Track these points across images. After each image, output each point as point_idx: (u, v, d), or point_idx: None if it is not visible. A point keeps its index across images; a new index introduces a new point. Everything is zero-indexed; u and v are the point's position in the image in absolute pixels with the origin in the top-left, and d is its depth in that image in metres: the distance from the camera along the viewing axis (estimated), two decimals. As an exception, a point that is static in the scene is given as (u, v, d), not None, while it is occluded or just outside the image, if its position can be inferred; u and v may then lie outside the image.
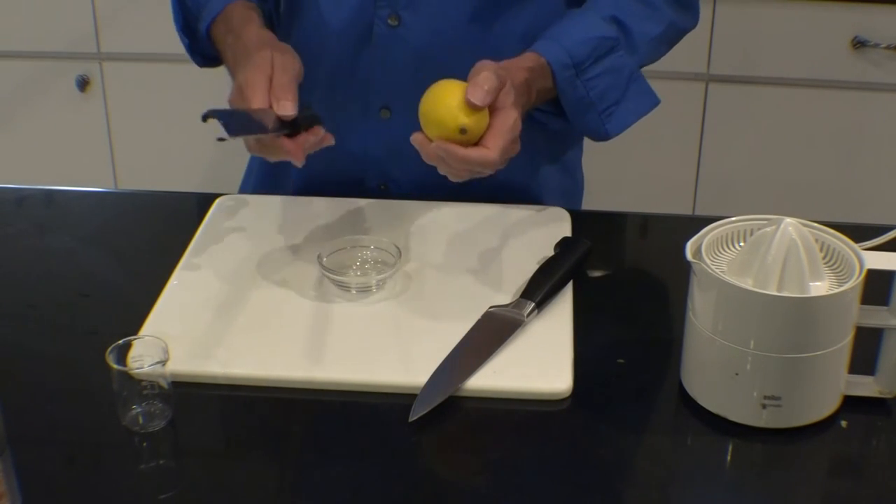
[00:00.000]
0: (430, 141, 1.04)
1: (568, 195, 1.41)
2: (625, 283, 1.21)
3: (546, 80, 1.18)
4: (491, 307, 1.08)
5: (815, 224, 0.99)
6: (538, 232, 1.23)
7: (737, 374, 0.94)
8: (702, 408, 0.98)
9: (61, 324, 1.11)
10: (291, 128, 1.08)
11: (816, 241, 0.97)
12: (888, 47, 2.08)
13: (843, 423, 0.97)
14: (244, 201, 1.30)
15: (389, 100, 1.25)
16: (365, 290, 1.12)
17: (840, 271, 0.97)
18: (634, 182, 2.26)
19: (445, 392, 0.98)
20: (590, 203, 1.45)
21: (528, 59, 1.17)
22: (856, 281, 0.93)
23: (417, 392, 0.97)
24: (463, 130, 1.03)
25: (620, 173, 2.22)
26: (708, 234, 0.99)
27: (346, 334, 1.06)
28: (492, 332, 1.05)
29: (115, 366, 0.94)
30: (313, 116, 1.10)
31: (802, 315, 0.92)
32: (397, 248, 1.14)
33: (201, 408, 0.99)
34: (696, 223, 1.02)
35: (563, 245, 1.18)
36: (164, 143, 2.34)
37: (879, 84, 2.13)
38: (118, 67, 2.28)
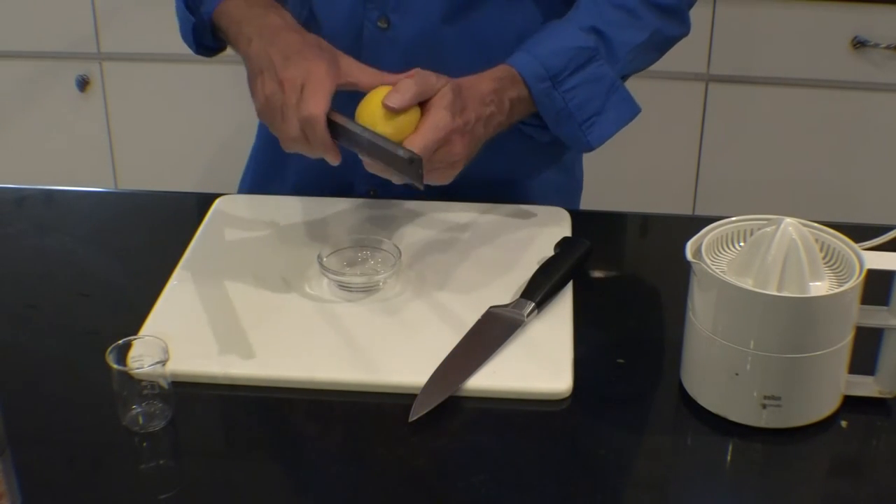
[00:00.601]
0: None
1: (566, 193, 1.41)
2: (625, 283, 1.21)
3: (519, 89, 1.17)
4: (491, 307, 1.08)
5: (815, 224, 0.99)
6: (538, 232, 1.23)
7: (737, 374, 0.94)
8: (702, 408, 0.98)
9: (61, 324, 1.11)
10: None
11: (816, 241, 0.97)
12: (888, 47, 2.08)
13: (843, 423, 0.97)
14: (244, 201, 1.30)
15: None
16: (365, 289, 1.12)
17: (840, 271, 0.97)
18: (634, 182, 2.26)
19: (445, 392, 0.98)
20: (589, 203, 1.45)
21: (497, 70, 1.17)
22: (856, 281, 0.93)
23: (417, 392, 0.97)
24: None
25: (620, 173, 2.22)
26: (708, 234, 0.99)
27: (346, 334, 1.06)
28: (492, 332, 1.05)
29: (115, 366, 0.94)
30: None
31: (802, 315, 0.92)
32: (397, 248, 1.14)
33: (201, 408, 0.99)
34: (696, 223, 1.02)
35: (563, 245, 1.18)
36: (164, 143, 2.34)
37: (879, 84, 2.13)
38: (118, 67, 2.28)
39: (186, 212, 1.33)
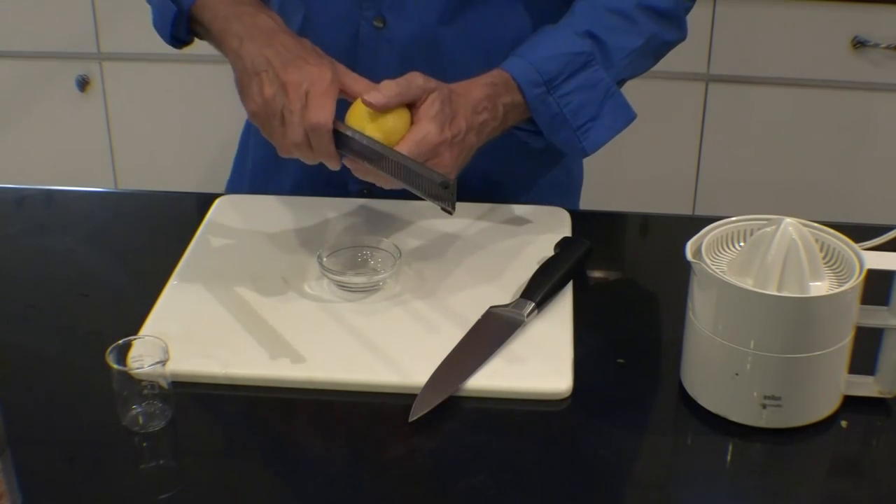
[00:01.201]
0: None
1: (565, 192, 1.40)
2: (625, 283, 1.21)
3: (513, 95, 1.16)
4: (491, 307, 1.08)
5: (815, 224, 0.99)
6: (538, 232, 1.23)
7: (737, 374, 0.94)
8: (702, 408, 0.98)
9: (61, 324, 1.11)
10: None
11: (816, 241, 0.97)
12: (888, 47, 2.08)
13: (843, 423, 0.97)
14: (244, 201, 1.30)
15: None
16: (365, 290, 1.12)
17: (840, 271, 0.97)
18: (634, 182, 2.26)
19: (445, 392, 0.98)
20: (589, 203, 1.45)
21: (491, 76, 1.16)
22: (856, 281, 0.93)
23: (417, 392, 0.97)
24: None
25: (620, 173, 2.22)
26: (708, 234, 0.99)
27: (346, 334, 1.06)
28: (492, 332, 1.05)
29: (115, 366, 0.94)
30: None
31: (802, 315, 0.92)
32: (397, 248, 1.14)
33: (201, 408, 0.99)
34: (696, 223, 1.02)
35: (563, 245, 1.18)
36: (164, 143, 2.34)
37: (879, 84, 2.13)
38: (118, 67, 2.28)
39: (186, 212, 1.33)
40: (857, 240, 0.99)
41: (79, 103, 2.31)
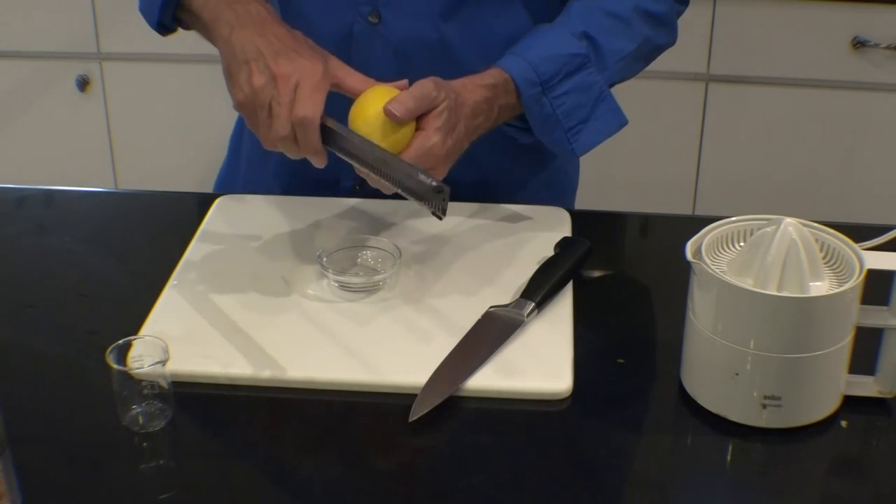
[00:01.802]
0: None
1: (559, 191, 1.40)
2: (625, 283, 1.21)
3: (510, 97, 1.16)
4: (491, 307, 1.08)
5: (815, 224, 0.99)
6: (538, 232, 1.23)
7: (737, 374, 0.94)
8: (702, 408, 0.98)
9: (61, 324, 1.11)
10: None
11: (816, 241, 0.97)
12: (888, 47, 2.08)
13: (843, 423, 0.97)
14: (244, 201, 1.30)
15: None
16: (365, 289, 1.12)
17: (840, 271, 0.97)
18: (634, 182, 2.26)
19: (445, 392, 0.98)
20: (589, 202, 1.45)
21: (490, 76, 1.15)
22: (856, 281, 0.93)
23: (417, 392, 0.97)
24: None
25: (620, 173, 2.22)
26: (708, 234, 0.99)
27: (345, 334, 1.06)
28: (492, 332, 1.05)
29: (115, 366, 0.94)
30: None
31: (802, 315, 0.92)
32: (397, 247, 1.14)
33: (201, 408, 0.99)
34: (696, 223, 1.02)
35: (563, 245, 1.18)
36: (164, 143, 2.34)
37: (879, 84, 2.13)
38: (118, 67, 2.28)
39: (186, 212, 1.33)
40: (857, 240, 0.99)
41: (79, 103, 2.31)
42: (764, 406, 0.95)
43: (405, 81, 1.08)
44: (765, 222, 0.97)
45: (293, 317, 1.08)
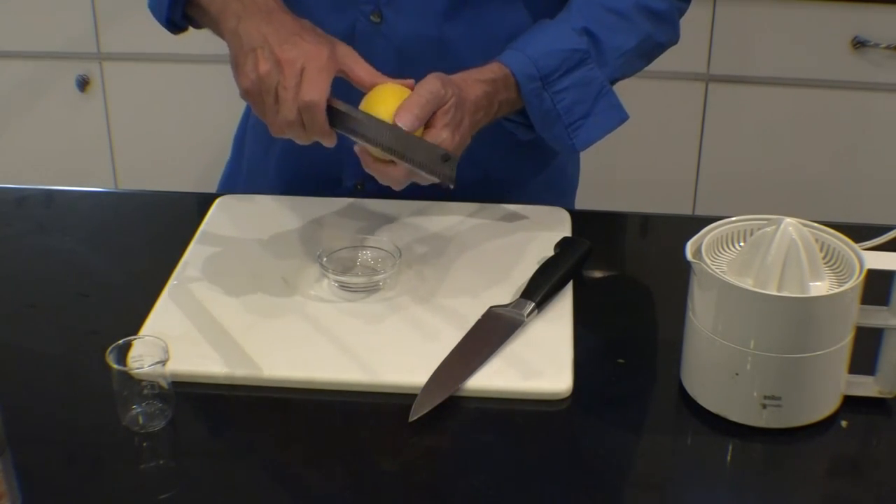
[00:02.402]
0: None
1: (558, 192, 1.40)
2: (625, 283, 1.21)
3: (510, 91, 1.16)
4: (491, 307, 1.08)
5: (815, 224, 0.99)
6: (538, 232, 1.23)
7: (737, 374, 0.94)
8: (702, 408, 0.98)
9: (61, 324, 1.11)
10: None
11: (816, 241, 0.97)
12: (888, 47, 2.08)
13: (843, 423, 0.97)
14: (244, 201, 1.30)
15: None
16: (365, 289, 1.12)
17: (840, 271, 0.97)
18: (634, 182, 2.26)
19: (445, 392, 0.98)
20: (589, 202, 1.45)
21: (490, 71, 1.16)
22: (856, 281, 0.93)
23: (417, 392, 0.97)
24: None
25: (620, 173, 2.22)
26: (708, 234, 0.99)
27: (346, 334, 1.06)
28: (492, 332, 1.05)
29: (115, 366, 0.94)
30: None
31: (802, 315, 0.92)
32: (397, 247, 1.14)
33: (201, 408, 0.99)
34: (696, 223, 1.02)
35: (563, 245, 1.18)
36: (164, 143, 2.34)
37: (879, 84, 2.13)
38: (118, 67, 2.28)
39: (186, 212, 1.33)
40: (857, 240, 0.99)
41: (79, 103, 2.31)
42: (764, 406, 0.95)
43: (412, 81, 1.08)
44: (765, 222, 0.97)
45: (293, 317, 1.08)
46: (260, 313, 1.09)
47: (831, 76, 2.13)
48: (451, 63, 1.14)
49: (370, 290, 1.12)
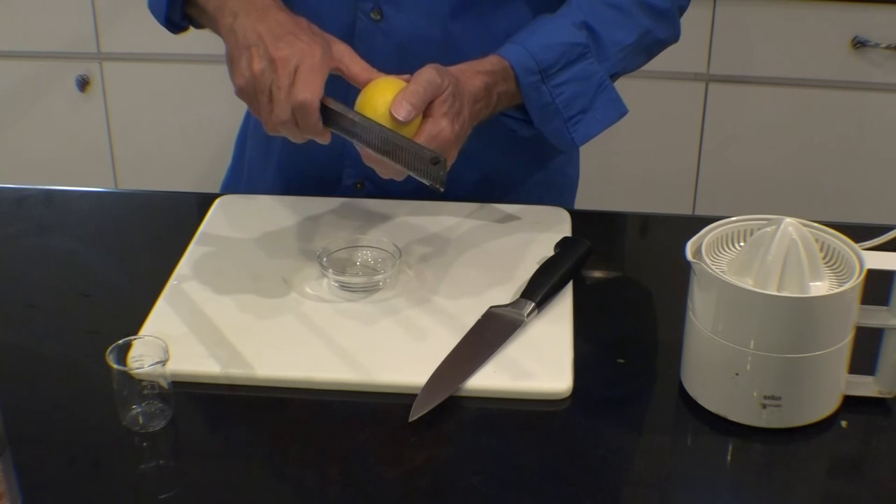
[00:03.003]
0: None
1: (558, 192, 1.40)
2: (625, 282, 1.21)
3: (509, 84, 1.16)
4: (491, 307, 1.08)
5: (815, 224, 0.99)
6: (538, 232, 1.23)
7: (737, 374, 0.94)
8: (702, 408, 0.98)
9: (61, 324, 1.11)
10: None
11: (816, 241, 0.97)
12: (888, 47, 2.08)
13: (843, 423, 0.97)
14: (244, 201, 1.30)
15: None
16: (365, 289, 1.12)
17: (840, 271, 0.97)
18: (634, 182, 2.26)
19: (445, 392, 0.98)
20: (589, 202, 1.45)
21: (488, 63, 1.15)
22: (856, 281, 0.93)
23: (417, 392, 0.97)
24: None
25: (620, 173, 2.22)
26: (708, 234, 0.99)
27: (346, 334, 1.06)
28: (492, 332, 1.05)
29: (115, 366, 0.94)
30: None
31: (802, 315, 0.92)
32: (397, 247, 1.14)
33: (201, 408, 0.99)
34: (696, 223, 1.02)
35: (563, 245, 1.18)
36: (164, 143, 2.34)
37: (879, 84, 2.13)
38: (118, 67, 2.28)
39: (186, 212, 1.33)
40: (857, 240, 0.99)
41: (79, 103, 2.31)
42: (764, 406, 0.95)
43: (408, 76, 1.08)
44: (765, 222, 0.97)
45: (293, 317, 1.08)
46: (260, 313, 1.09)
47: (831, 76, 2.13)
48: (452, 61, 1.14)
49: (370, 290, 1.12)
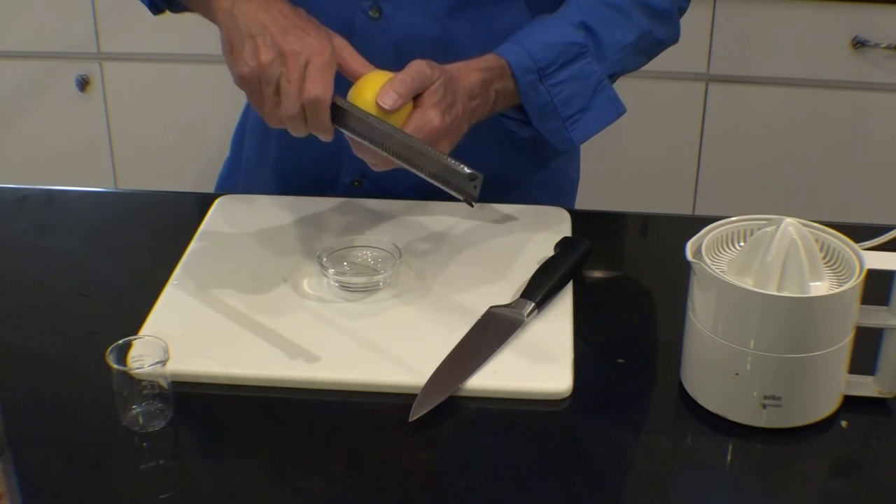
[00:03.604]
0: None
1: (558, 192, 1.40)
2: (625, 283, 1.21)
3: (506, 81, 1.16)
4: (491, 307, 1.08)
5: (815, 224, 0.99)
6: (538, 232, 1.23)
7: (737, 374, 0.94)
8: (702, 408, 0.98)
9: (61, 324, 1.11)
10: None
11: (816, 241, 0.97)
12: (888, 47, 2.08)
13: (843, 423, 0.97)
14: (244, 201, 1.30)
15: None
16: (365, 289, 1.12)
17: (840, 271, 0.97)
18: (634, 182, 2.26)
19: (445, 392, 0.98)
20: (589, 202, 1.45)
21: (485, 60, 1.15)
22: (856, 281, 0.93)
23: (417, 392, 0.97)
24: None
25: (620, 173, 2.22)
26: (708, 234, 0.99)
27: (346, 334, 1.06)
28: (492, 332, 1.05)
29: (115, 366, 0.94)
30: None
31: (802, 315, 0.92)
32: (397, 247, 1.14)
33: (201, 408, 0.99)
34: (696, 223, 1.02)
35: (563, 245, 1.18)
36: (164, 143, 2.34)
37: (879, 84, 2.13)
38: (118, 67, 2.28)
39: (186, 212, 1.33)
40: (857, 240, 0.99)
41: (79, 103, 2.31)
42: (764, 406, 0.95)
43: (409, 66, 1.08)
44: (765, 222, 0.97)
45: (293, 317, 1.08)
46: (260, 313, 1.09)
47: (831, 76, 2.13)
48: (450, 60, 1.14)
49: (370, 289, 1.12)
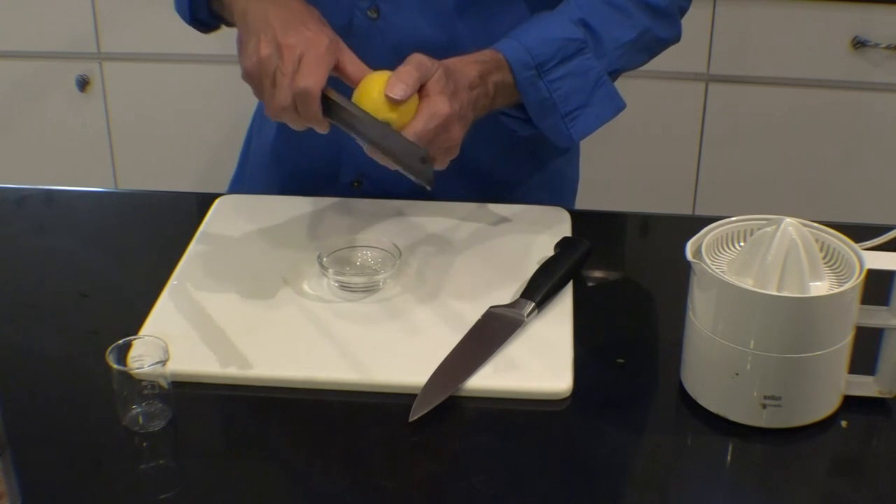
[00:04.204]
0: None
1: (557, 192, 1.40)
2: (625, 283, 1.21)
3: (503, 74, 1.16)
4: (491, 307, 1.08)
5: (815, 224, 0.99)
6: (538, 232, 1.23)
7: (737, 374, 0.94)
8: (702, 408, 0.98)
9: (61, 324, 1.11)
10: None
11: (816, 241, 0.97)
12: (888, 47, 2.08)
13: (843, 423, 0.97)
14: (244, 201, 1.30)
15: None
16: (365, 289, 1.12)
17: (840, 271, 0.97)
18: (634, 182, 2.26)
19: (445, 392, 0.98)
20: (589, 202, 1.45)
21: (480, 54, 1.16)
22: (856, 281, 0.93)
23: (417, 392, 0.97)
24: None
25: (620, 173, 2.22)
26: (708, 234, 0.99)
27: (346, 334, 1.06)
28: (492, 332, 1.05)
29: (115, 366, 0.94)
30: None
31: (802, 315, 0.92)
32: (397, 247, 1.14)
33: (201, 408, 0.99)
34: (696, 223, 1.02)
35: (563, 245, 1.18)
36: (164, 143, 2.34)
37: (879, 84, 2.13)
38: (118, 67, 2.28)
39: (186, 212, 1.33)
40: (857, 240, 0.99)
41: (79, 103, 2.31)
42: (764, 406, 0.95)
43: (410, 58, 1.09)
44: (765, 222, 0.97)
45: (293, 317, 1.08)
46: (260, 313, 1.09)
47: (831, 76, 2.13)
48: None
49: (370, 290, 1.12)
